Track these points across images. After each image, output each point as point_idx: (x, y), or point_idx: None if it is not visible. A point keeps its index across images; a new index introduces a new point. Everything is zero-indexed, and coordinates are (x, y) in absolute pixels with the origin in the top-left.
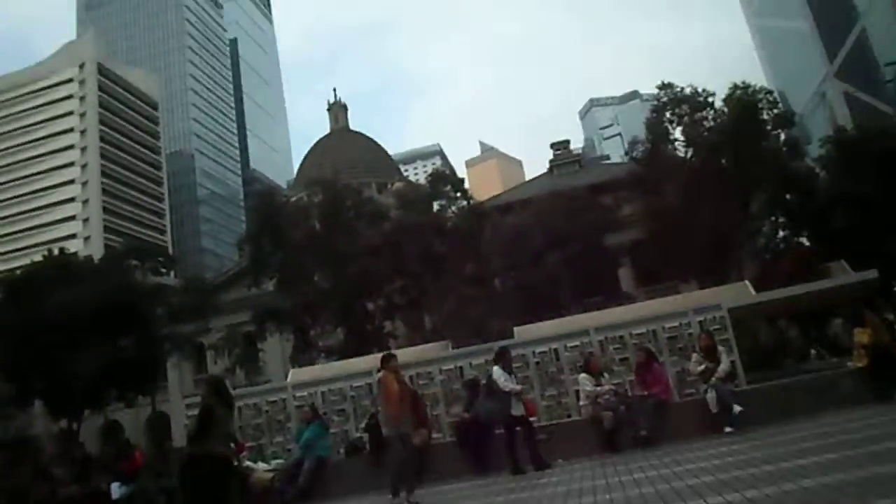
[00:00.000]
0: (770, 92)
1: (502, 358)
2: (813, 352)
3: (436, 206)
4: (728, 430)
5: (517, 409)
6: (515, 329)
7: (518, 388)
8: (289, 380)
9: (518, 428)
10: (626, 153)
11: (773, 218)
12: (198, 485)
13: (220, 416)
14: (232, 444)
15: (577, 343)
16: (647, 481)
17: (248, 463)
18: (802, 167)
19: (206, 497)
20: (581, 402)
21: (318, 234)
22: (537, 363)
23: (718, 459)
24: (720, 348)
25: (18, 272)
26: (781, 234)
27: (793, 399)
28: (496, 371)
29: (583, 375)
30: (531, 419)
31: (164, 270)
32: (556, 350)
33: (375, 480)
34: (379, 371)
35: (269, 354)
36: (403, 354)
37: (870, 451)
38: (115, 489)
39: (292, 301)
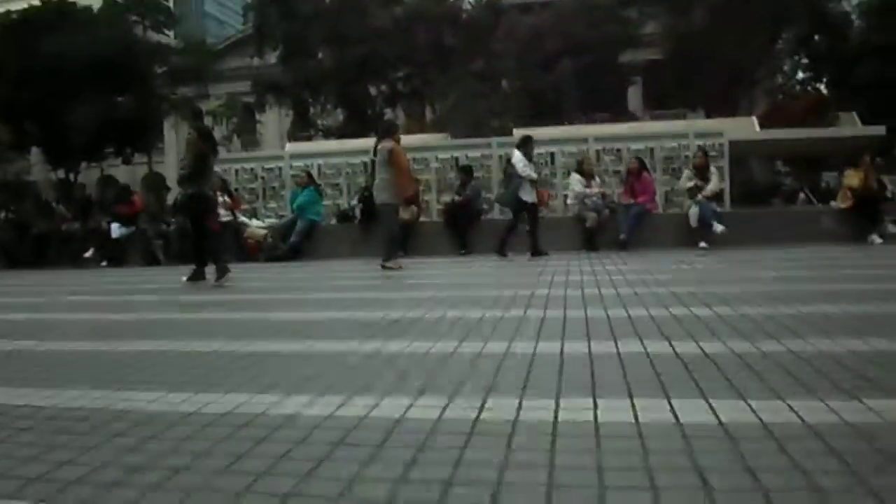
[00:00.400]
0: None
1: (525, 145)
2: (802, 196)
3: None
4: (703, 245)
5: (529, 196)
6: (515, 130)
7: (534, 175)
8: (286, 149)
9: (524, 212)
10: None
11: (796, 58)
12: (195, 217)
13: (211, 162)
14: (227, 198)
15: (575, 150)
16: (617, 272)
17: (243, 219)
18: (839, 10)
19: (198, 228)
20: (569, 201)
21: (327, 8)
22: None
23: (687, 265)
24: (713, 169)
25: (14, 15)
26: (801, 76)
27: (772, 228)
28: (517, 155)
29: (575, 176)
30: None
31: (165, 30)
32: (552, 154)
33: (364, 247)
34: (381, 139)
35: (268, 128)
36: (403, 140)
37: (828, 274)
38: (115, 229)
39: (294, 75)
